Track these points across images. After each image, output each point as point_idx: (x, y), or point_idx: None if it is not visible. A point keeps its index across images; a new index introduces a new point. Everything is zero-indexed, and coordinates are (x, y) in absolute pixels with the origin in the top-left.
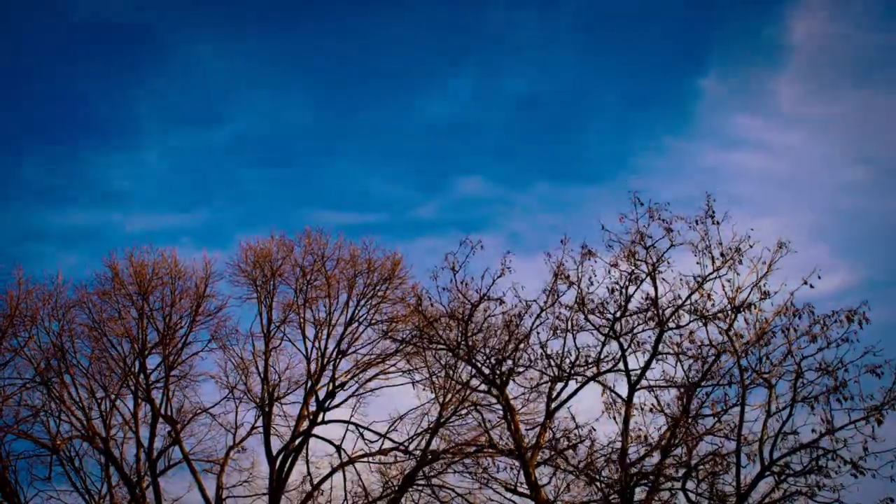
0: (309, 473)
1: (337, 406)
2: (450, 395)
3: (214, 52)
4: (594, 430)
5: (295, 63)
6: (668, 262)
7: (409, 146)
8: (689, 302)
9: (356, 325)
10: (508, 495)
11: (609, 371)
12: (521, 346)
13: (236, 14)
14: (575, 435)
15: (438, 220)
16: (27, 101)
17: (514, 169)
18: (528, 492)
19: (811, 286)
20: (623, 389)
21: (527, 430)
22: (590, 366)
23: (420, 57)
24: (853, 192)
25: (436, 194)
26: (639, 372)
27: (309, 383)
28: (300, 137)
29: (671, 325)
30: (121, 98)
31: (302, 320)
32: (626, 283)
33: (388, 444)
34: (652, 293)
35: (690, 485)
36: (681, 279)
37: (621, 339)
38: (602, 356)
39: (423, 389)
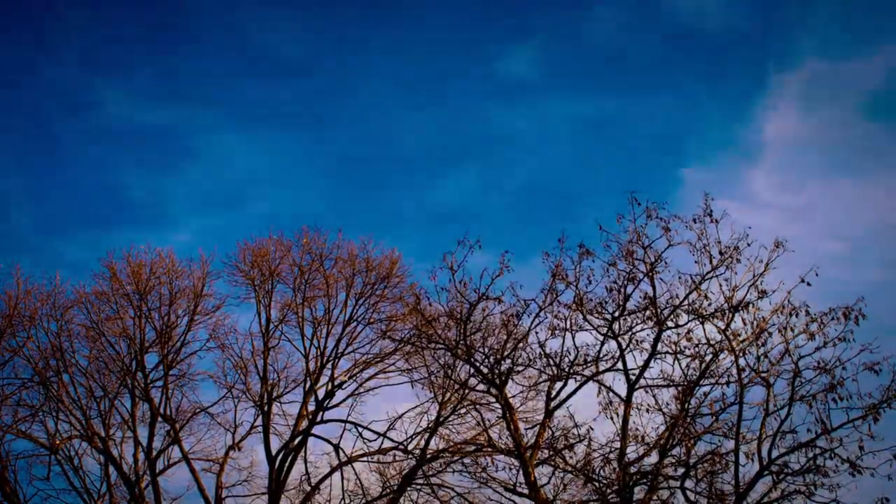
0: (307, 473)
1: (336, 405)
2: (448, 395)
3: (240, 144)
4: (592, 429)
5: (314, 153)
6: (666, 262)
7: (418, 225)
8: (686, 301)
9: (355, 324)
10: (507, 494)
11: (608, 370)
12: (520, 345)
13: (260, 111)
14: (573, 434)
15: (446, 286)
16: (71, 191)
17: (516, 244)
18: (527, 491)
19: (808, 284)
20: (622, 389)
21: (526, 429)
22: (588, 365)
23: (430, 151)
24: (831, 265)
25: (443, 263)
26: (637, 371)
27: (308, 382)
28: (317, 217)
29: (669, 324)
30: (154, 186)
31: (300, 319)
32: (624, 282)
33: (387, 444)
34: (650, 292)
35: (689, 484)
36: (679, 278)
37: (620, 339)
38: (601, 355)
39: (422, 388)
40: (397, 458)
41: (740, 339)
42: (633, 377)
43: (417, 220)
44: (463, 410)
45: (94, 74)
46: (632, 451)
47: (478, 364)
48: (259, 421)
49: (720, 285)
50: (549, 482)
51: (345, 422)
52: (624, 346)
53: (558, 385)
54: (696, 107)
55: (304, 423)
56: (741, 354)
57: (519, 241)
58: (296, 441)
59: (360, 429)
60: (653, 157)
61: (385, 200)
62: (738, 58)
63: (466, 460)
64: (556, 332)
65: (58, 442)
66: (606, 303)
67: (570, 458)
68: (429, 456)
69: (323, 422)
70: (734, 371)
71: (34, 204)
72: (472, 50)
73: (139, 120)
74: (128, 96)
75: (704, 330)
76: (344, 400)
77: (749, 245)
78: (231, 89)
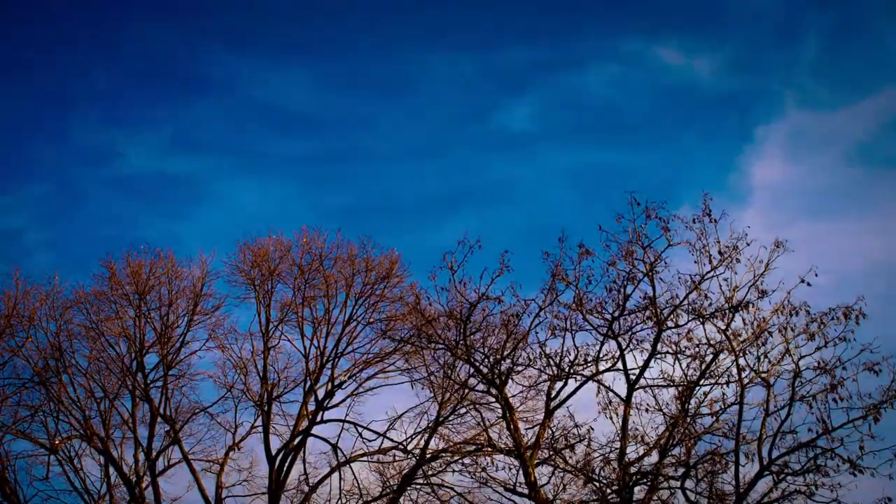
0: (306, 473)
1: (336, 405)
2: (448, 394)
3: (250, 192)
4: (592, 429)
5: (321, 201)
6: (666, 262)
7: (417, 266)
8: (686, 301)
9: (355, 324)
10: (507, 494)
11: (608, 370)
12: (520, 345)
13: (270, 162)
14: (573, 434)
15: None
16: (88, 235)
17: (516, 280)
18: (526, 491)
19: (808, 284)
20: (621, 389)
21: (526, 429)
22: (588, 365)
23: (431, 197)
24: (818, 295)
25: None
26: (637, 371)
27: (308, 382)
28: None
29: (669, 324)
30: (169, 227)
31: (300, 319)
32: (624, 282)
33: (386, 444)
34: (650, 292)
35: (689, 484)
36: (678, 278)
37: (619, 339)
38: (600, 355)
39: (422, 388)
40: (397, 457)
41: (740, 339)
42: (633, 377)
43: (417, 260)
44: (463, 410)
45: (115, 128)
46: (632, 451)
47: (478, 364)
48: (259, 421)
49: (720, 285)
50: (548, 482)
51: (344, 421)
52: (624, 346)
53: (558, 385)
54: (687, 156)
55: (305, 423)
56: (741, 354)
57: (519, 273)
58: (295, 441)
59: (359, 429)
60: (646, 200)
61: (387, 243)
62: (725, 110)
63: (466, 460)
64: (556, 332)
65: (57, 442)
66: (606, 303)
67: (570, 458)
68: (428, 456)
69: (323, 422)
70: (734, 371)
71: (53, 249)
72: (472, 104)
73: (155, 169)
74: (146, 148)
75: (705, 330)
76: (344, 400)
77: (748, 245)
78: (243, 141)
